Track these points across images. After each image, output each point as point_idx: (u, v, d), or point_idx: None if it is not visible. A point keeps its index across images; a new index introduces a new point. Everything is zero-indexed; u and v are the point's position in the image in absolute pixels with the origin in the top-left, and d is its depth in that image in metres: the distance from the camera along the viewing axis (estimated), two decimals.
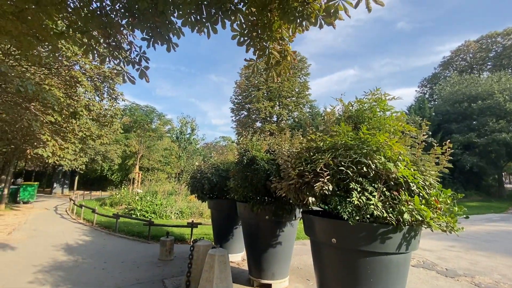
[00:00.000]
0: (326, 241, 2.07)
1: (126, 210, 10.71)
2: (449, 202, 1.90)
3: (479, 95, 19.87)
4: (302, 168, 2.10)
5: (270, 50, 2.43)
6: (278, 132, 4.47)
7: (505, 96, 18.83)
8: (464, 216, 1.89)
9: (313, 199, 2.07)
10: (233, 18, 2.40)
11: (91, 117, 10.34)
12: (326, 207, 2.41)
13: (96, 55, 2.97)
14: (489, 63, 33.55)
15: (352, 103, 2.26)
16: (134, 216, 9.30)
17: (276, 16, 2.25)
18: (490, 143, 17.96)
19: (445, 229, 1.79)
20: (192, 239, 6.20)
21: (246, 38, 2.57)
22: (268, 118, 31.60)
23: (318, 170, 1.92)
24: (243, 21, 2.53)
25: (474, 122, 19.66)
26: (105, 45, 2.87)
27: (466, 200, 17.45)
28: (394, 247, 1.85)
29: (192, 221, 6.40)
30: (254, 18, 2.44)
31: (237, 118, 34.08)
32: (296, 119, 29.96)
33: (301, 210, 3.11)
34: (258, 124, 32.03)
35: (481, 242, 6.72)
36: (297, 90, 31.56)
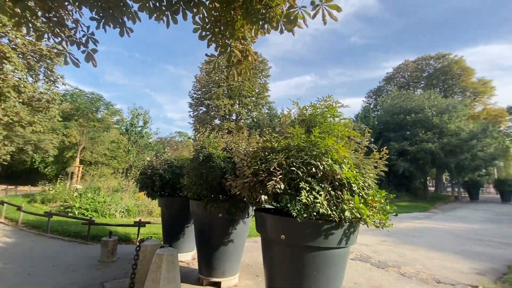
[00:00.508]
0: (276, 238, 2.16)
1: (62, 207, 9.53)
2: (383, 201, 2.14)
3: (412, 109, 22.80)
4: (257, 167, 2.15)
5: (232, 48, 2.42)
6: (236, 131, 4.48)
7: (433, 112, 21.97)
8: (394, 214, 2.16)
9: (266, 197, 2.14)
10: (195, 10, 2.33)
11: (21, 100, 8.93)
12: (278, 205, 2.51)
13: (31, 29, 2.58)
14: (422, 82, 38.72)
15: (307, 108, 2.40)
16: (71, 214, 8.33)
17: (240, 15, 2.26)
18: (419, 151, 20.75)
19: (378, 225, 2.02)
20: (138, 239, 5.84)
21: (208, 33, 2.52)
22: (227, 116, 31.44)
23: (271, 170, 1.99)
24: (206, 15, 2.47)
25: (408, 132, 22.48)
26: (44, 19, 2.51)
27: (398, 200, 19.83)
28: (336, 242, 2.02)
29: (140, 220, 6.02)
30: (217, 13, 2.40)
31: (195, 113, 33.14)
32: (254, 119, 30.38)
33: (254, 208, 3.18)
34: (217, 121, 31.63)
35: (408, 237, 7.72)
36: (257, 90, 32.04)
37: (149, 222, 6.44)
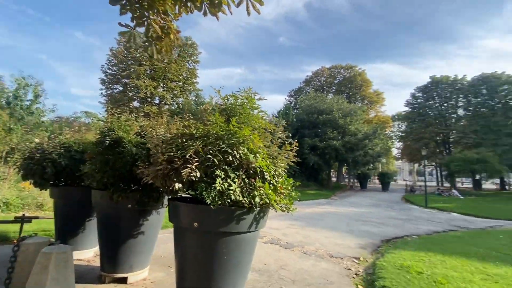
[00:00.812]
0: (189, 226, 2.13)
1: None
2: (289, 188, 2.38)
3: (324, 110, 26.12)
4: (172, 153, 2.04)
5: (150, 21, 2.19)
6: (156, 116, 4.14)
7: (339, 114, 25.75)
8: (298, 199, 2.43)
9: (181, 185, 2.06)
10: None
11: None
12: (194, 193, 2.46)
13: None
14: (334, 88, 44.61)
15: (228, 97, 2.42)
16: None
17: None
18: (326, 147, 24.06)
19: (284, 209, 2.24)
20: (20, 237, 4.77)
21: None
22: (149, 99, 28.73)
23: (187, 157, 1.93)
24: None
25: (319, 130, 25.68)
26: None
27: (308, 189, 22.57)
28: (247, 226, 2.14)
29: (23, 214, 4.90)
30: None
31: (108, 92, 28.96)
32: (180, 105, 28.82)
33: (169, 197, 3.03)
34: (136, 103, 28.52)
35: (313, 220, 8.90)
36: (184, 75, 30.36)
37: (36, 217, 5.32)
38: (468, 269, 4.10)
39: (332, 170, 34.16)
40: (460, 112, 36.76)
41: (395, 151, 46.95)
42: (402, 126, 42.70)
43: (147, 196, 3.04)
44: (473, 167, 24.88)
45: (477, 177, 29.59)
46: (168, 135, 2.50)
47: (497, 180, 33.93)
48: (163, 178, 2.15)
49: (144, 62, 27.22)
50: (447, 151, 36.16)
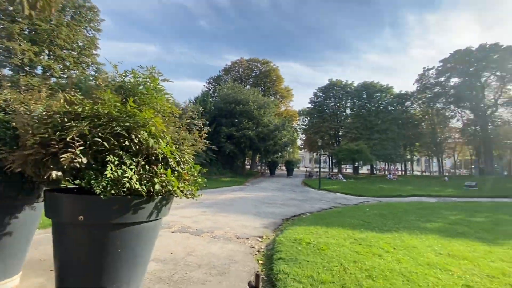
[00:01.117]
0: (72, 221, 1.83)
1: None
2: (196, 175, 2.37)
3: (241, 101, 26.95)
4: (47, 135, 1.68)
5: None
6: (34, 88, 3.31)
7: (255, 106, 27.10)
8: (205, 185, 2.45)
9: (60, 173, 1.74)
10: None
11: None
12: (81, 182, 2.13)
13: None
14: (251, 80, 46.37)
15: (127, 74, 2.15)
16: None
17: None
18: (242, 137, 25.06)
19: (188, 196, 2.22)
20: None
21: None
22: (28, 68, 22.55)
23: (68, 140, 1.63)
24: None
25: (236, 120, 26.39)
26: None
27: (223, 177, 23.07)
28: (146, 215, 2.01)
29: None
30: None
31: None
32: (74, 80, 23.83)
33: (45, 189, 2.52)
34: (7, 71, 21.92)
35: (225, 206, 9.19)
36: (81, 44, 25.20)
37: None
38: (343, 236, 5.16)
39: (247, 158, 35.98)
40: (348, 111, 44.85)
41: (299, 142, 53.39)
42: (305, 120, 48.73)
43: (15, 188, 2.43)
44: (353, 156, 31.05)
45: (356, 164, 37.13)
46: (46, 113, 2.04)
47: (369, 167, 43.55)
48: (35, 165, 1.76)
49: (21, 19, 20.96)
50: (337, 143, 43.66)
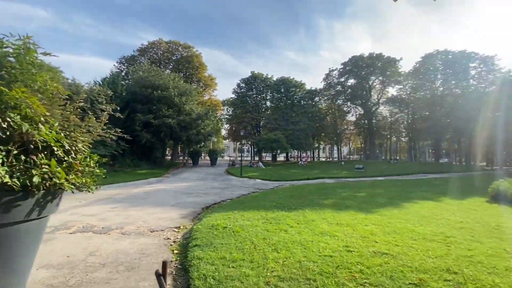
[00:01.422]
0: None
1: None
2: (93, 165, 2.13)
3: (160, 86, 24.91)
4: None
5: None
6: None
7: (175, 92, 25.53)
8: (104, 176, 2.23)
9: None
10: None
11: None
12: None
13: None
14: (171, 64, 43.28)
15: None
16: None
17: None
18: (161, 125, 23.31)
19: (83, 189, 1.99)
20: None
21: None
22: None
23: None
24: None
25: (154, 107, 24.28)
26: None
27: (139, 169, 21.10)
28: (24, 214, 1.70)
29: None
30: None
31: None
32: None
33: None
34: None
35: (138, 200, 8.50)
36: None
37: None
38: (256, 218, 5.60)
39: (168, 149, 33.84)
40: (268, 103, 47.79)
41: (224, 132, 53.79)
42: (229, 110, 49.32)
43: None
44: (272, 145, 33.59)
45: (274, 152, 40.30)
46: None
47: (285, 154, 48.03)
48: None
49: None
50: (258, 133, 46.15)
